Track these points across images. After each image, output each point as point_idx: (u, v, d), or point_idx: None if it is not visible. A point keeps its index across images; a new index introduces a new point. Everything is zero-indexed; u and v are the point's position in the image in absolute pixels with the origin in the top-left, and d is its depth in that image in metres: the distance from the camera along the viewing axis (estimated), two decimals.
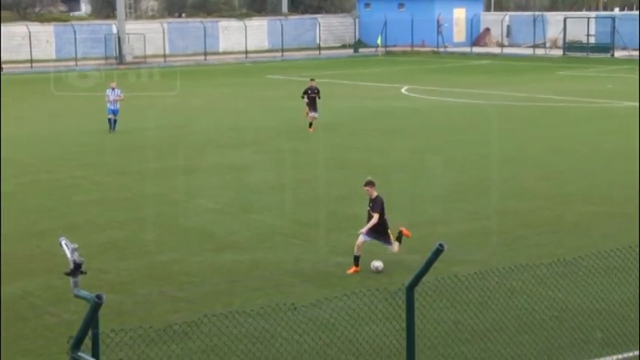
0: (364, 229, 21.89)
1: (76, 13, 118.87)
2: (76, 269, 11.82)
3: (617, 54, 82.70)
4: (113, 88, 43.79)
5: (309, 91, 43.97)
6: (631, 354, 16.57)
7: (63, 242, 12.37)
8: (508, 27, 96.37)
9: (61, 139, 42.64)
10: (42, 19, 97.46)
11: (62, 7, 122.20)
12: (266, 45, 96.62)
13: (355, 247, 21.88)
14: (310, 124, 43.31)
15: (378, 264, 21.72)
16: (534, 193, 30.20)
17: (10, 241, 25.45)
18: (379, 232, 22.05)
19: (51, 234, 23.36)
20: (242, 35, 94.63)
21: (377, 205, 22.01)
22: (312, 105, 43.50)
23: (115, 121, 43.40)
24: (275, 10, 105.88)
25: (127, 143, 40.93)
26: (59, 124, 47.59)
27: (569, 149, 38.14)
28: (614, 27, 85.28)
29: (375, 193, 22.14)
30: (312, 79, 45.62)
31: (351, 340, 16.59)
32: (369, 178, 22.45)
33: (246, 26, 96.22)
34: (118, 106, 43.74)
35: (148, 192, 31.24)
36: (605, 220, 26.54)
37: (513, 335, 17.60)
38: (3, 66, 72.94)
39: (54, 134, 44.22)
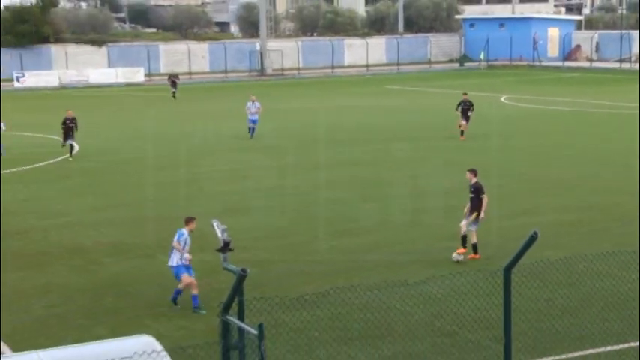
0: (482, 214, 21.60)
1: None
2: (225, 247, 12.12)
3: None
4: (253, 101, 43.33)
5: (462, 104, 41.79)
6: None
7: (215, 224, 12.66)
8: (597, 44, 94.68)
9: (210, 138, 43.15)
10: (199, 38, 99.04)
11: (215, 29, 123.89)
12: (384, 59, 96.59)
13: (473, 235, 21.67)
14: (462, 133, 41.26)
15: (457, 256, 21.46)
16: (617, 189, 29.68)
17: (169, 221, 25.94)
18: (474, 210, 21.78)
19: (203, 217, 23.77)
20: (364, 51, 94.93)
21: (481, 189, 21.76)
22: (465, 116, 41.45)
23: (253, 129, 42.93)
24: (392, 30, 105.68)
25: (265, 143, 41.30)
26: (210, 125, 48.11)
27: None
28: None
29: (474, 179, 21.95)
30: (464, 93, 43.22)
31: (456, 312, 16.58)
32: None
33: (367, 44, 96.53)
34: (257, 117, 42.72)
35: (283, 184, 31.53)
36: None
37: (599, 312, 17.35)
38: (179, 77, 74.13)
39: (206, 134, 44.74)
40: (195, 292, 18.33)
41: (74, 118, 38.42)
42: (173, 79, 67.29)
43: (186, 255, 18.71)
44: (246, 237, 23.03)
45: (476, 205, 21.70)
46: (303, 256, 22.20)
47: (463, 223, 21.76)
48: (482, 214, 21.65)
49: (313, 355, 15.27)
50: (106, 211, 27.81)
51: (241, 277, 9.97)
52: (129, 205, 28.82)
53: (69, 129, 37.92)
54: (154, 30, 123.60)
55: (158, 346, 10.23)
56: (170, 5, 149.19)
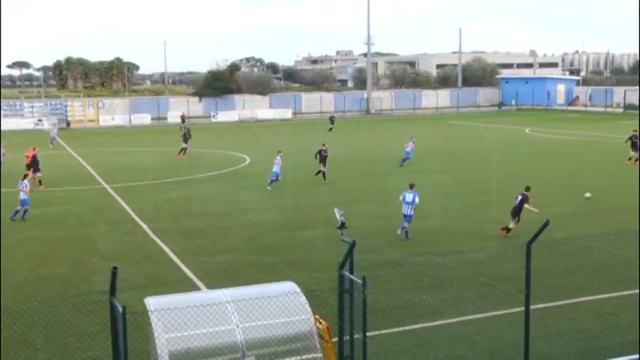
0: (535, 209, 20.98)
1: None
2: (342, 225, 12.09)
3: None
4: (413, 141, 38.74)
5: (633, 137, 37.11)
6: None
7: (335, 210, 12.65)
8: (590, 95, 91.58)
9: (339, 155, 43.27)
10: (327, 90, 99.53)
11: (338, 84, 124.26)
12: (448, 104, 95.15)
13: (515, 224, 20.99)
14: (629, 159, 36.74)
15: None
16: (604, 190, 28.54)
17: (308, 208, 26.07)
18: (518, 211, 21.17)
19: (329, 206, 23.87)
20: (435, 98, 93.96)
21: (526, 198, 21.15)
22: (634, 147, 36.72)
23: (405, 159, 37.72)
24: (454, 85, 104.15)
25: (371, 157, 41.11)
26: (337, 147, 48.29)
27: (626, 167, 35.85)
28: None
29: (524, 191, 21.49)
30: (634, 130, 37.93)
31: (494, 271, 16.24)
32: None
33: (437, 93, 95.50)
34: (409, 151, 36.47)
35: (382, 185, 31.32)
36: None
37: (588, 274, 16.83)
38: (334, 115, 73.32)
39: (335, 152, 44.90)
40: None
41: (326, 149, 32.76)
42: (332, 117, 67.02)
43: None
44: (356, 219, 23.05)
45: (518, 208, 21.14)
46: (391, 233, 21.98)
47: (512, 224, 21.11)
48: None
49: (398, 297, 15.14)
50: (267, 201, 28.13)
51: (352, 246, 9.94)
52: (282, 197, 29.07)
53: (323, 157, 32.47)
54: (299, 84, 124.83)
55: (297, 289, 10.26)
56: (310, 69, 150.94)
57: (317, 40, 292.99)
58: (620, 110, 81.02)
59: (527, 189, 21.65)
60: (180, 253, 19.65)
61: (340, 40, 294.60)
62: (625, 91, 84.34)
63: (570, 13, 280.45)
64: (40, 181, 32.03)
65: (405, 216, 21.24)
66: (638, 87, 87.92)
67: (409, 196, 21.32)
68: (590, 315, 14.14)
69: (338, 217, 12.44)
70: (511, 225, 21.08)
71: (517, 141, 50.29)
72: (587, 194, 27.11)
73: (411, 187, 21.89)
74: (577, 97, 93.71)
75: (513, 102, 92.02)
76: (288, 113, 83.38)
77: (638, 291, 15.36)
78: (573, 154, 42.16)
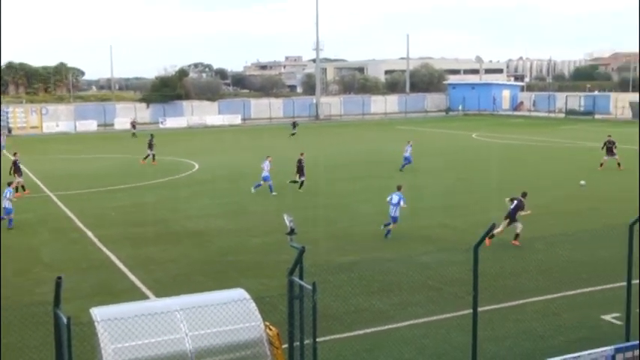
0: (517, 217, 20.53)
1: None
2: (292, 231, 12.10)
3: (596, 117, 79.03)
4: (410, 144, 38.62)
5: (608, 143, 37.29)
6: (601, 287, 15.93)
7: (285, 216, 12.66)
8: (534, 101, 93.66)
9: (286, 161, 43.27)
10: (277, 96, 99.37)
11: (287, 89, 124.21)
12: (396, 109, 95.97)
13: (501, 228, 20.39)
14: (601, 164, 36.76)
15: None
16: (551, 194, 29.16)
17: (257, 214, 25.99)
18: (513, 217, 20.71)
19: (279, 211, 23.79)
20: (383, 103, 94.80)
21: (520, 204, 20.77)
22: (609, 152, 37.05)
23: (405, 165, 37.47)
24: (402, 90, 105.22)
25: (327, 162, 41.23)
26: (284, 152, 48.30)
27: (567, 171, 36.75)
28: (594, 101, 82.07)
29: (519, 197, 21.11)
30: (609, 135, 38.51)
31: (442, 275, 16.43)
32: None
33: (386, 99, 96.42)
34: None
35: (332, 190, 31.38)
36: (598, 210, 25.45)
37: (534, 274, 17.17)
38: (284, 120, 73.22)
39: (282, 157, 44.84)
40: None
41: (302, 160, 31.59)
42: (295, 122, 66.00)
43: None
44: (306, 226, 23.02)
45: (512, 214, 20.74)
46: (345, 238, 22.09)
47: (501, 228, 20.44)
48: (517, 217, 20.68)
49: (348, 302, 15.20)
50: (216, 208, 27.92)
51: (301, 251, 9.95)
52: (231, 203, 28.92)
53: (300, 167, 31.36)
54: (247, 90, 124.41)
55: (247, 296, 10.22)
56: (259, 75, 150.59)
57: (266, 45, 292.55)
58: (562, 115, 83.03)
59: (524, 195, 21.25)
60: (128, 262, 19.34)
61: (289, 45, 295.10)
62: (567, 97, 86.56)
63: (514, 21, 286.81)
64: (22, 187, 31.81)
65: (392, 217, 21.85)
66: (578, 93, 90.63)
67: (395, 198, 21.94)
68: (536, 315, 14.45)
69: (287, 223, 12.44)
70: (496, 230, 20.38)
71: (464, 145, 51.09)
72: (582, 182, 29.20)
73: (398, 188, 22.33)
74: (521, 103, 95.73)
75: (460, 107, 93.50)
76: (237, 119, 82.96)
77: (578, 291, 15.78)
78: (519, 158, 43.00)
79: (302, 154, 32.08)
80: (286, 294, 10.21)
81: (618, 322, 13.58)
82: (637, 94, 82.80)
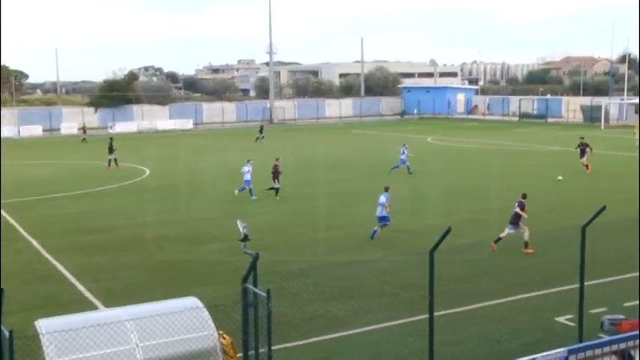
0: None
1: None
2: (245, 238, 12.07)
3: (549, 120, 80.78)
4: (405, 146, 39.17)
5: (580, 145, 38.17)
6: (554, 290, 16.27)
7: (238, 222, 12.61)
8: (488, 104, 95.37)
9: (237, 165, 43.02)
10: (230, 100, 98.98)
11: (240, 93, 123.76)
12: (351, 113, 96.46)
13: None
14: (587, 166, 37.27)
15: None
16: (500, 197, 29.57)
17: (210, 221, 25.81)
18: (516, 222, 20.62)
19: (231, 217, 23.67)
20: (338, 108, 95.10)
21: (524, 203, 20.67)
22: (582, 154, 37.91)
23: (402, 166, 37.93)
24: (357, 94, 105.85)
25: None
26: (236, 156, 48.08)
27: (522, 174, 37.42)
28: (547, 105, 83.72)
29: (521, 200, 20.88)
30: (581, 138, 39.35)
31: (398, 280, 16.54)
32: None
33: (340, 103, 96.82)
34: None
35: (285, 195, 31.37)
36: (552, 213, 25.98)
37: (490, 278, 17.43)
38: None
39: (235, 162, 44.59)
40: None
41: (278, 166, 31.28)
42: (261, 126, 65.67)
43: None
44: (260, 232, 22.97)
45: (517, 215, 20.52)
46: (296, 245, 22.07)
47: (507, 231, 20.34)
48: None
49: (304, 310, 15.18)
50: (167, 214, 27.61)
51: (255, 258, 9.91)
52: (183, 210, 28.65)
53: (276, 173, 30.99)
54: (200, 94, 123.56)
55: (200, 304, 10.12)
56: (211, 78, 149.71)
57: (218, 48, 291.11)
58: (516, 119, 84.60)
59: (524, 196, 21.36)
60: (76, 271, 18.98)
61: (242, 48, 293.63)
62: (520, 101, 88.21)
63: (468, 26, 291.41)
64: None
65: (378, 218, 22.32)
66: (531, 97, 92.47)
67: (382, 199, 22.53)
68: (491, 319, 14.66)
69: (241, 229, 12.49)
70: (502, 234, 20.52)
71: (420, 150, 51.59)
72: (560, 177, 30.94)
73: (386, 189, 22.85)
74: (476, 106, 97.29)
75: (415, 111, 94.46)
76: (189, 124, 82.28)
77: (532, 294, 16.10)
78: (474, 162, 43.65)
79: (278, 160, 31.50)
80: (240, 301, 10.14)
81: (571, 324, 13.87)
82: (588, 98, 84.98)
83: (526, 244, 20.15)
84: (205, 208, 28.80)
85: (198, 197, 31.52)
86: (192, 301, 10.21)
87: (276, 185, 30.62)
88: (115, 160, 42.35)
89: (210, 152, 52.65)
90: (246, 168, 30.91)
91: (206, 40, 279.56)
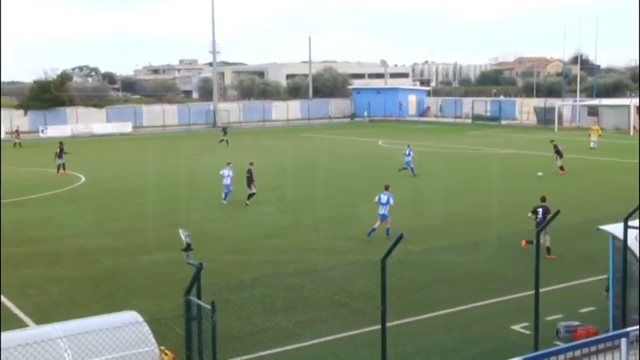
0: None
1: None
2: (188, 247, 11.93)
3: (503, 122, 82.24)
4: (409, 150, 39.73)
5: (556, 147, 39.00)
6: (509, 297, 16.56)
7: (180, 231, 12.46)
8: (440, 106, 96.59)
9: (179, 171, 42.66)
10: (170, 101, 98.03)
11: (182, 95, 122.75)
12: (299, 116, 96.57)
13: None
14: (562, 168, 38.12)
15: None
16: (452, 201, 30.05)
17: (149, 230, 25.53)
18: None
19: (173, 227, 23.41)
20: (285, 110, 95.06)
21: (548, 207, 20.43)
22: (559, 154, 38.67)
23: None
24: (305, 96, 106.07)
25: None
26: (178, 162, 47.64)
27: (477, 178, 37.98)
28: (500, 106, 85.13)
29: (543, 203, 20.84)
30: (552, 140, 41.07)
31: (349, 290, 16.56)
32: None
33: (287, 105, 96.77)
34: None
35: (229, 203, 31.20)
36: (497, 219, 26.37)
37: (443, 286, 17.66)
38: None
39: (176, 168, 44.23)
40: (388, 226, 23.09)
41: (252, 170, 30.87)
42: (225, 128, 65.00)
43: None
44: (202, 240, 22.79)
45: (542, 221, 19.83)
46: (243, 253, 21.98)
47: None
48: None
49: (250, 322, 15.10)
50: (103, 224, 27.16)
51: (199, 269, 9.79)
52: (120, 219, 28.23)
53: (249, 179, 30.67)
54: (139, 96, 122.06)
55: (140, 319, 9.96)
56: (151, 79, 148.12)
57: (158, 47, 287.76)
58: (469, 121, 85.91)
59: (544, 199, 21.33)
60: (2, 287, 18.47)
61: (184, 47, 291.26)
62: (473, 102, 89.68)
63: (419, 25, 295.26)
64: None
65: (380, 215, 23.26)
66: (484, 98, 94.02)
67: (384, 197, 23.45)
68: (445, 329, 14.82)
69: (183, 238, 12.36)
70: (547, 243, 20.04)
71: (370, 153, 52.00)
72: (540, 173, 32.67)
73: (386, 188, 23.82)
74: (428, 108, 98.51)
75: (365, 113, 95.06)
76: (127, 127, 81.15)
77: (487, 302, 16.34)
78: (427, 165, 44.09)
79: (251, 164, 31.31)
80: (183, 315, 10.01)
81: (527, 332, 14.12)
82: (541, 99, 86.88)
83: (548, 250, 19.98)
84: (145, 216, 28.44)
85: (137, 205, 31.10)
86: (131, 316, 10.03)
87: (252, 190, 30.56)
88: (63, 164, 41.93)
89: (150, 157, 51.97)
90: (226, 172, 31.24)
91: (145, 38, 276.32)
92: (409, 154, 39.69)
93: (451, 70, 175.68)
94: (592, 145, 51.37)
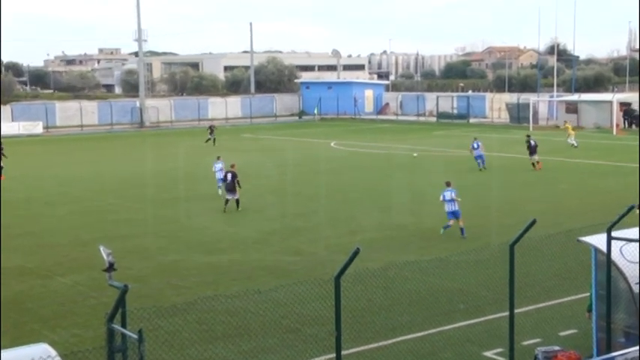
0: None
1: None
2: (110, 267, 11.71)
3: (471, 120, 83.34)
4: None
5: (531, 142, 41.96)
6: (481, 319, 16.76)
7: (101, 248, 12.25)
8: (401, 102, 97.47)
9: (100, 179, 42.18)
10: (89, 97, 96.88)
11: (103, 90, 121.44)
12: (240, 114, 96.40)
13: None
14: (537, 163, 41.69)
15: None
16: (416, 211, 30.28)
17: (64, 248, 25.16)
18: None
19: (93, 243, 23.08)
20: (224, 107, 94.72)
21: None
22: (533, 151, 41.76)
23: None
24: (246, 91, 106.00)
25: (147, 180, 40.58)
26: (99, 168, 47.12)
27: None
28: (468, 103, 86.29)
29: None
30: (527, 135, 44.92)
31: (298, 313, 16.55)
32: None
33: (226, 101, 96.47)
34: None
35: (160, 214, 30.98)
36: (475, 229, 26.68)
37: (406, 307, 17.77)
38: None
39: (96, 175, 43.73)
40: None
41: (235, 173, 31.17)
42: (212, 126, 64.86)
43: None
44: (128, 258, 22.56)
45: None
46: (177, 272, 21.82)
47: None
48: None
49: (185, 353, 14.98)
50: (11, 240, 26.61)
51: (124, 291, 9.68)
52: (32, 234, 27.73)
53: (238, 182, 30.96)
54: (51, 91, 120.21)
55: (53, 352, 9.78)
56: (65, 71, 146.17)
57: (73, 34, 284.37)
58: (434, 119, 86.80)
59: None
60: None
61: (104, 35, 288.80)
62: (437, 98, 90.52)
63: (374, 11, 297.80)
64: None
65: (449, 213, 25.54)
66: (450, 94, 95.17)
67: (448, 194, 25.61)
68: (410, 356, 14.91)
69: (105, 256, 12.06)
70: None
71: (321, 156, 52.14)
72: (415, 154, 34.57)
73: (448, 184, 26.02)
74: (387, 105, 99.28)
75: (316, 111, 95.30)
76: (37, 127, 79.76)
77: (457, 325, 16.52)
78: (385, 170, 44.43)
79: (233, 167, 31.76)
80: (105, 346, 9.88)
81: (501, 359, 14.30)
82: (514, 95, 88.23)
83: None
84: (61, 231, 28.03)
85: (51, 218, 30.58)
86: (42, 349, 9.85)
87: (237, 196, 31.01)
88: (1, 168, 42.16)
89: (67, 162, 51.25)
90: (218, 165, 34.77)
91: (58, 22, 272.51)
92: (477, 147, 42.52)
93: (412, 62, 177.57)
94: (574, 143, 52.66)
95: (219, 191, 33.50)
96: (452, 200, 25.48)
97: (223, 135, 74.55)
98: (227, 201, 30.91)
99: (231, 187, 30.76)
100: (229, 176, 30.98)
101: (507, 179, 38.66)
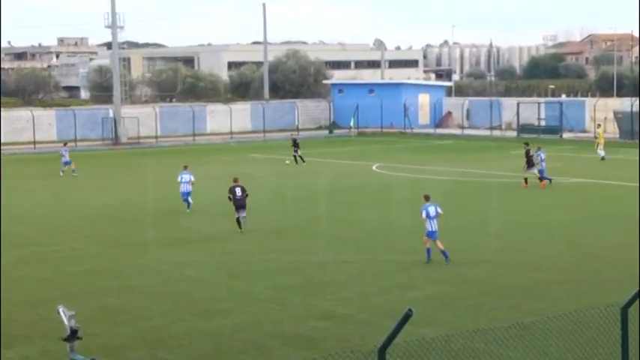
0: None
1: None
2: (73, 335, 11.70)
3: (565, 135, 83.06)
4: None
5: (529, 152, 48.66)
6: None
7: (61, 310, 12.25)
8: (468, 110, 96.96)
9: (60, 214, 42.44)
10: (45, 104, 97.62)
11: (63, 94, 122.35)
12: (249, 127, 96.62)
13: None
14: (526, 180, 47.86)
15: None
16: (491, 261, 30.14)
17: (10, 309, 25.24)
18: None
19: (49, 302, 23.14)
20: (227, 118, 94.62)
21: None
22: (529, 164, 48.47)
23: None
24: (257, 95, 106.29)
25: (120, 215, 40.78)
26: (57, 201, 47.39)
27: (521, 221, 38.14)
28: (561, 111, 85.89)
29: None
30: (525, 143, 50.95)
31: None
32: None
33: (231, 110, 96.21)
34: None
35: (137, 262, 31.07)
36: (554, 286, 26.46)
37: None
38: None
39: (54, 210, 43.99)
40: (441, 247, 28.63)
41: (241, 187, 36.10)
42: (295, 139, 66.72)
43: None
44: (97, 322, 22.54)
45: None
46: (164, 341, 21.76)
47: None
48: None
49: None
50: None
51: None
52: None
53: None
54: None
55: None
56: (12, 68, 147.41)
57: (23, 20, 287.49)
58: (514, 133, 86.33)
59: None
60: None
61: (65, 21, 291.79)
62: (518, 105, 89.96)
63: None
64: None
65: (431, 233, 28.44)
66: (535, 99, 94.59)
67: (432, 210, 28.43)
68: None
69: (65, 321, 12.04)
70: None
71: (358, 184, 52.03)
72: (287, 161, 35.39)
73: (426, 199, 29.03)
74: (449, 114, 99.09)
75: (352, 123, 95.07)
76: None
77: None
78: (443, 202, 44.18)
79: (236, 180, 36.71)
80: None
81: None
82: (626, 100, 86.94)
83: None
84: (5, 286, 28.11)
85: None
86: None
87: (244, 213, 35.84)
88: None
89: (17, 189, 51.65)
90: (186, 177, 40.30)
91: (3, 4, 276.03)
92: (540, 157, 48.27)
93: (484, 56, 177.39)
94: (601, 153, 59.56)
95: (188, 208, 40.18)
96: (435, 217, 28.21)
97: (224, 154, 74.98)
98: (238, 219, 35.39)
99: (242, 204, 35.47)
100: (238, 191, 35.64)
101: (615, 214, 38.32)
